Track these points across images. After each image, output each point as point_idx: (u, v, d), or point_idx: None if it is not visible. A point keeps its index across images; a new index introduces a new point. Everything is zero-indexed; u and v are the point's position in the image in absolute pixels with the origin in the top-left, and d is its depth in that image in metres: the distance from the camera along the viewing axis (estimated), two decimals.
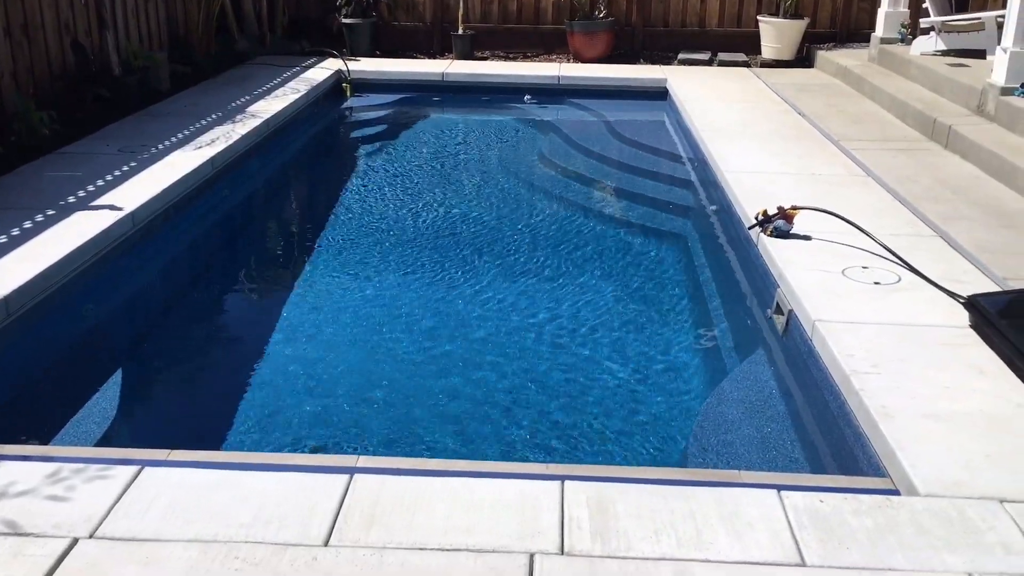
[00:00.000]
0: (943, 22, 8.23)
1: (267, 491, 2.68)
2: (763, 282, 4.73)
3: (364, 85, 9.60)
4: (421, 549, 2.43)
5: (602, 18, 10.55)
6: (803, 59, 10.46)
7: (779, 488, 2.70)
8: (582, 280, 5.32)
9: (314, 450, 3.48)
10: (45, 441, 3.50)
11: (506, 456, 3.54)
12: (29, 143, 6.24)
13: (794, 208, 4.79)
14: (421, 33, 11.00)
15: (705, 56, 10.55)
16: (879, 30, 9.20)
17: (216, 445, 3.59)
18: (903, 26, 9.06)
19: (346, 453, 3.39)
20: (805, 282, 4.21)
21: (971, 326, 3.75)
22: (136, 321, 4.88)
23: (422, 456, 3.38)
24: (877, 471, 3.00)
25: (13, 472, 2.78)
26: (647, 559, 2.40)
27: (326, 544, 2.45)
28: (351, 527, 2.52)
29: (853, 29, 10.72)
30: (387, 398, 3.97)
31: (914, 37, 8.75)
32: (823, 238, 4.73)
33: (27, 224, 4.77)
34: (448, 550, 2.43)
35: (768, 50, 10.42)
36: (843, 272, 4.32)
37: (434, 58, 10.67)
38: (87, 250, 4.60)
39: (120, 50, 7.93)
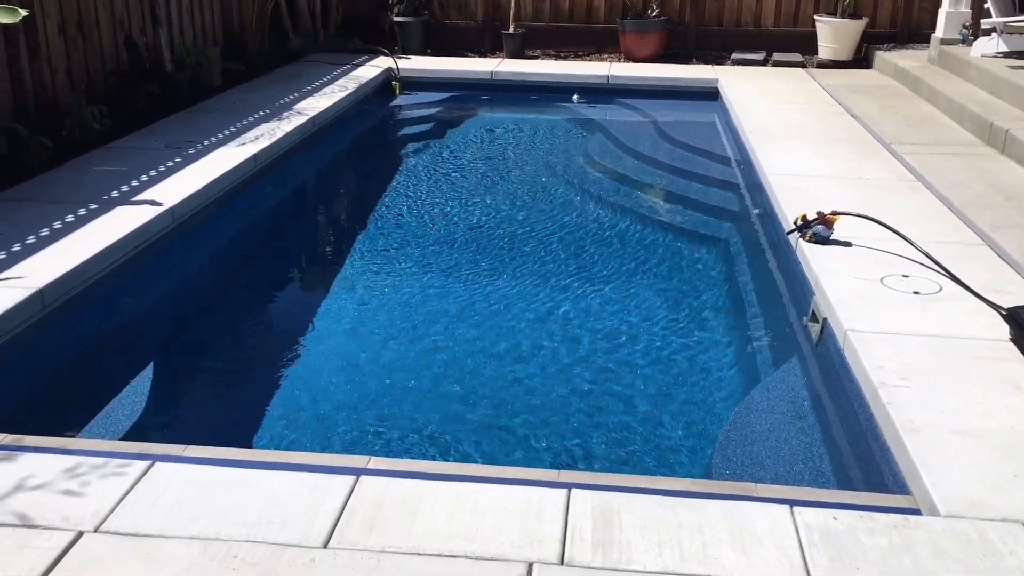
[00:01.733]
0: (1005, 23, 7.97)
1: (273, 490, 2.68)
2: (800, 289, 4.61)
3: (413, 83, 9.63)
4: (419, 554, 2.41)
5: (655, 17, 10.43)
6: (861, 60, 10.22)
7: (792, 503, 2.62)
8: (621, 282, 5.26)
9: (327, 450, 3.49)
10: (74, 433, 3.56)
11: (534, 461, 3.51)
12: (80, 138, 6.38)
13: (834, 213, 4.67)
14: (472, 32, 11.00)
15: (759, 56, 10.37)
16: (939, 31, 8.95)
17: (244, 442, 3.62)
18: (964, 27, 8.79)
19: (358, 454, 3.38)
20: (841, 289, 4.09)
21: (1011, 339, 3.61)
22: (170, 316, 4.94)
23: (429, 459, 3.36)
24: (902, 488, 2.90)
25: (31, 464, 2.83)
26: (648, 572, 2.35)
27: (325, 546, 2.44)
28: (352, 529, 2.50)
29: (914, 29, 10.44)
30: (422, 398, 3.97)
31: (975, 38, 8.49)
32: (864, 244, 4.60)
33: (69, 218, 4.87)
34: (446, 556, 2.40)
35: (825, 50, 10.21)
36: (881, 280, 4.19)
37: (485, 57, 10.67)
38: (125, 245, 4.68)
39: (173, 47, 8.06)
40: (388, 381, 4.12)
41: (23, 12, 4.72)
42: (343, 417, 3.81)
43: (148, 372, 4.16)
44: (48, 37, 6.58)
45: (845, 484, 3.30)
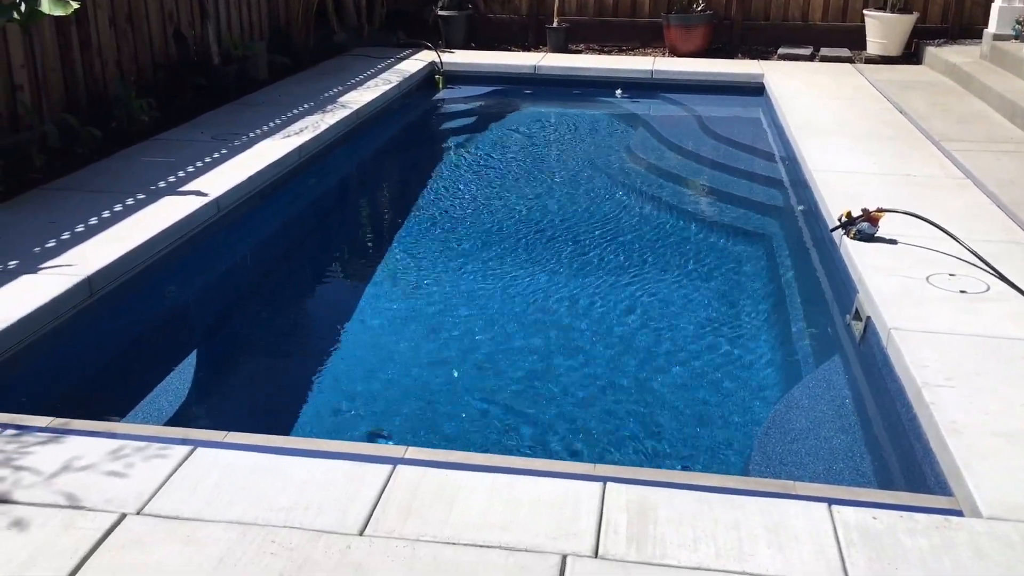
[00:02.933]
0: None
1: (311, 477, 2.71)
2: (844, 286, 4.56)
3: (456, 77, 9.66)
4: (454, 544, 2.42)
5: (700, 11, 10.35)
6: (911, 55, 10.05)
7: (831, 502, 2.60)
8: (662, 277, 5.24)
9: (370, 438, 3.52)
10: (118, 418, 3.63)
11: (571, 453, 3.51)
12: (129, 129, 6.48)
13: (880, 211, 4.61)
14: (516, 26, 11.00)
15: (807, 51, 10.24)
16: (992, 26, 8.77)
17: (282, 429, 3.67)
18: (1018, 22, 8.60)
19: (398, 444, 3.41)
20: (885, 288, 4.04)
21: None
22: (214, 305, 5.01)
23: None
24: (943, 489, 2.85)
25: (78, 446, 2.89)
26: (683, 567, 2.34)
27: (361, 533, 2.47)
28: (388, 517, 2.53)
29: (966, 24, 10.24)
30: (460, 390, 3.99)
31: None
32: (910, 242, 4.53)
33: (117, 207, 4.96)
34: (481, 546, 2.41)
35: (874, 45, 10.06)
36: (927, 279, 4.13)
37: (528, 51, 10.66)
38: (171, 234, 4.75)
39: (220, 40, 8.16)
40: (429, 371, 4.14)
41: (75, 4, 4.82)
42: (381, 406, 3.84)
43: (191, 359, 4.22)
44: (99, 29, 6.69)
45: (886, 484, 3.26)
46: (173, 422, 3.65)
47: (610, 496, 2.62)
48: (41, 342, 3.77)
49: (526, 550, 2.40)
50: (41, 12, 4.89)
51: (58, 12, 4.83)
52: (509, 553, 2.38)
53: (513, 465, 2.85)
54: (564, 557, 2.37)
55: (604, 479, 2.70)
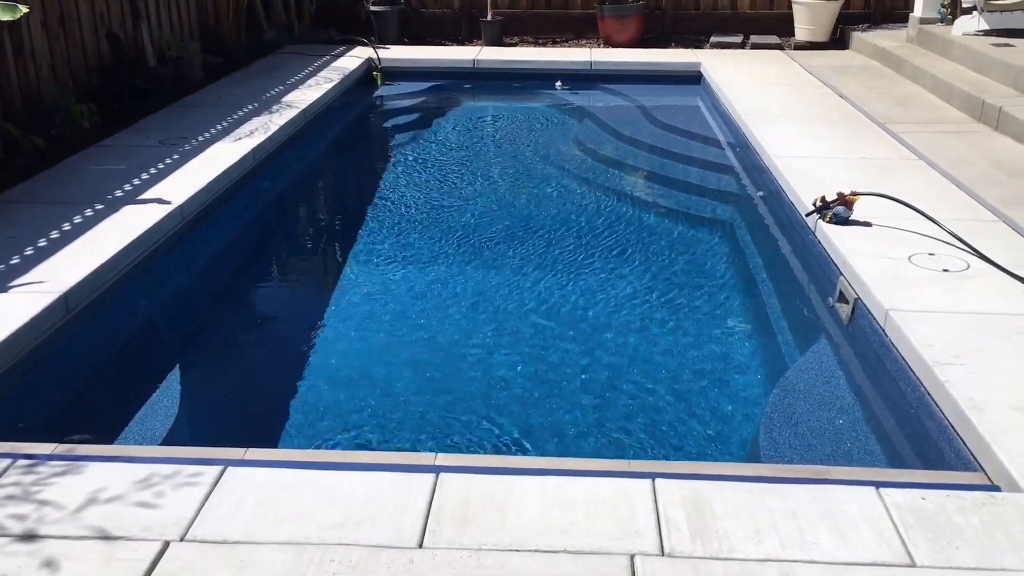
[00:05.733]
0: (986, 1, 8.09)
1: (353, 491, 2.63)
2: (822, 270, 4.65)
3: (394, 73, 9.52)
4: (518, 551, 2.38)
5: (633, 2, 10.42)
6: (838, 41, 10.31)
7: (877, 485, 2.64)
8: (622, 272, 5.22)
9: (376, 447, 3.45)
10: (111, 437, 3.47)
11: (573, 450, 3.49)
12: (71, 136, 6.21)
13: (854, 194, 4.71)
14: (449, 20, 10.91)
15: (738, 39, 10.42)
16: (918, 10, 9.06)
17: (275, 439, 3.56)
18: (943, 5, 8.90)
19: (423, 451, 3.34)
20: (871, 270, 4.12)
21: None
22: (191, 315, 4.84)
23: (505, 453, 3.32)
24: (967, 465, 2.93)
25: (99, 473, 2.74)
26: (751, 560, 2.34)
27: (420, 546, 2.41)
28: (444, 528, 2.47)
29: (888, 9, 10.56)
30: (436, 389, 3.94)
31: (955, 17, 8.60)
32: (884, 224, 4.64)
33: (77, 219, 4.74)
34: (546, 551, 2.38)
35: (802, 32, 10.29)
36: (909, 259, 4.24)
37: (463, 45, 10.58)
38: (139, 245, 4.57)
39: (154, 41, 7.88)
40: (393, 368, 4.10)
41: (24, 8, 4.59)
42: (368, 401, 3.77)
43: (176, 372, 4.07)
44: (31, 32, 6.38)
45: (900, 463, 3.34)
46: (171, 438, 3.52)
47: (661, 492, 2.61)
48: (24, 364, 3.58)
49: (593, 552, 2.37)
50: None
51: (6, 17, 4.60)
52: (576, 556, 2.35)
53: (553, 466, 2.82)
54: (632, 557, 2.35)
55: (652, 475, 2.69)
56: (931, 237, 4.48)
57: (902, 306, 3.75)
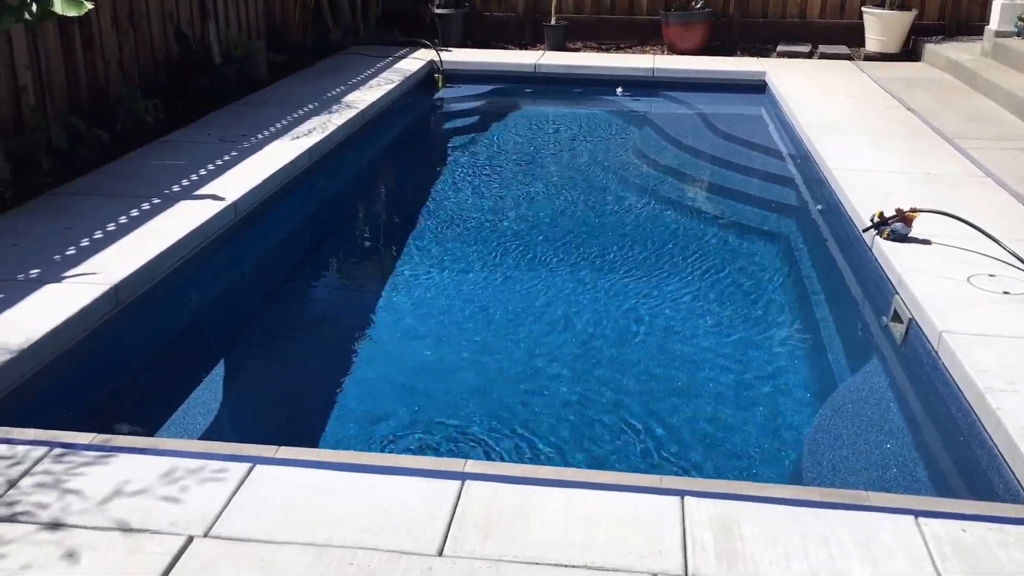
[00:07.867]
0: None
1: (379, 495, 2.62)
2: (878, 287, 4.52)
3: (456, 76, 9.55)
4: (538, 564, 2.34)
5: (699, 8, 10.31)
6: (909, 52, 10.06)
7: (916, 514, 2.54)
8: (674, 282, 5.15)
9: (416, 451, 3.43)
10: (152, 431, 3.52)
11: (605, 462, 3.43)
12: (134, 131, 6.34)
13: (914, 210, 4.57)
14: (513, 23, 10.91)
15: (805, 48, 10.23)
16: (993, 23, 8.78)
17: (316, 439, 3.57)
18: (1020, 19, 8.62)
19: (453, 457, 3.33)
20: (928, 289, 3.99)
21: None
22: (239, 311, 4.89)
23: (533, 463, 3.29)
24: (1015, 497, 2.81)
25: (130, 465, 2.77)
26: None
27: (440, 554, 2.38)
28: (466, 536, 2.44)
29: (963, 21, 10.27)
30: (487, 393, 3.91)
31: None
32: (944, 243, 4.50)
33: (133, 212, 4.83)
34: (566, 566, 2.33)
35: (872, 43, 10.05)
36: (968, 280, 4.10)
37: (526, 49, 10.57)
38: (192, 240, 4.63)
39: (221, 40, 8.02)
40: (453, 369, 4.09)
41: (89, 4, 4.69)
42: (420, 403, 3.76)
43: (220, 367, 4.12)
44: (101, 28, 6.54)
45: (947, 492, 3.22)
46: (211, 433, 3.55)
47: (690, 511, 2.55)
48: (71, 354, 3.65)
49: (614, 569, 2.32)
50: (53, 12, 4.74)
51: (72, 12, 4.70)
52: (597, 573, 2.31)
53: (581, 479, 2.77)
54: None
55: (681, 493, 2.63)
56: (992, 257, 4.33)
57: (957, 328, 3.62)
